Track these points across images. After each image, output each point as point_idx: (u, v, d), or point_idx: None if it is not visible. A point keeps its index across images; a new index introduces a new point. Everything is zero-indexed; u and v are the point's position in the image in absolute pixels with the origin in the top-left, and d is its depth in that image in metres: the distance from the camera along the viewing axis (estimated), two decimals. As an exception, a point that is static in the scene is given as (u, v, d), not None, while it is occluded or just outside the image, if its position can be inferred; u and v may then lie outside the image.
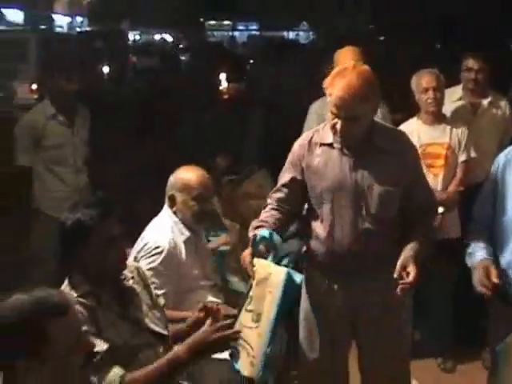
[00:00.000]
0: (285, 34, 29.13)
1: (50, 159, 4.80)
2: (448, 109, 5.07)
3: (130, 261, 3.49)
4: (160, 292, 3.47)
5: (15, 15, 30.40)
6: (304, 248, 3.57)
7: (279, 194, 3.48)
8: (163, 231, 3.71)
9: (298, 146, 3.45)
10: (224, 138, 5.64)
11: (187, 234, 3.75)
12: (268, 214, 3.42)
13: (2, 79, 12.82)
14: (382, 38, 9.35)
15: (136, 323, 3.11)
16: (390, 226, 3.32)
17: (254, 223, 3.41)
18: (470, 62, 5.08)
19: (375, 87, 3.24)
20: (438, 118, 4.77)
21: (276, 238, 3.22)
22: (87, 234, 2.96)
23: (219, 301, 3.80)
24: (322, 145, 3.35)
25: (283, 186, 3.47)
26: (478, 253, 3.27)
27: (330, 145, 3.32)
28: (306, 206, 3.53)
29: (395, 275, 3.05)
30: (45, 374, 2.13)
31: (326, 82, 3.22)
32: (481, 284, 3.08)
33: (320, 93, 4.95)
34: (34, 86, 12.54)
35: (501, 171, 3.28)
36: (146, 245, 3.63)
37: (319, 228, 3.39)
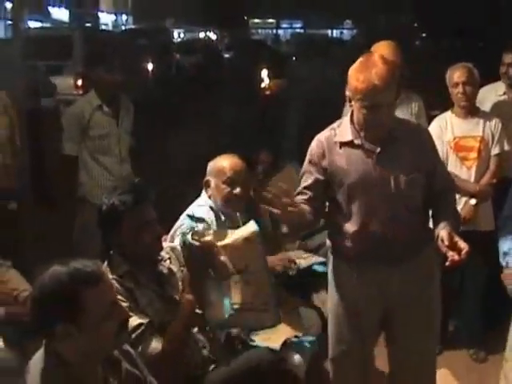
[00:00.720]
0: (329, 31, 29.10)
1: (96, 149, 4.95)
2: (492, 103, 5.19)
3: (167, 243, 3.68)
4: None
5: (61, 13, 30.94)
6: (328, 243, 3.60)
7: (303, 197, 3.43)
8: (200, 214, 3.85)
9: (315, 145, 3.42)
10: (265, 133, 5.77)
11: (222, 218, 3.90)
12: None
13: (48, 75, 13.06)
14: (423, 35, 9.38)
15: (172, 302, 3.29)
16: (417, 213, 3.35)
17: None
18: (508, 58, 5.18)
19: (396, 76, 3.27)
20: (470, 111, 4.83)
21: None
22: (120, 218, 3.17)
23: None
24: (342, 143, 3.33)
25: (306, 188, 3.44)
26: None
27: (351, 142, 3.31)
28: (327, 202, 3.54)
29: (445, 243, 3.04)
30: (81, 341, 2.27)
31: (350, 72, 3.22)
32: None
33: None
34: (80, 82, 12.75)
35: None
36: (182, 225, 3.80)
37: (348, 223, 3.37)
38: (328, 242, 3.59)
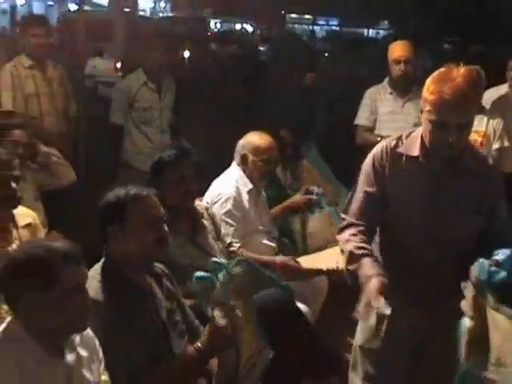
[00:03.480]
0: (364, 31, 29.38)
1: (140, 119, 5.52)
2: (494, 102, 5.64)
3: (202, 203, 4.26)
4: (229, 231, 4.23)
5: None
6: None
7: (362, 209, 3.09)
8: (231, 182, 4.43)
9: (379, 151, 3.08)
10: (293, 120, 6.24)
11: (250, 186, 4.46)
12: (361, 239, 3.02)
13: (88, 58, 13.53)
14: (450, 39, 9.83)
15: (202, 248, 3.89)
16: (465, 257, 2.86)
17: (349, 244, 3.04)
18: None
19: (481, 94, 3.01)
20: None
21: None
22: (163, 168, 3.84)
23: (273, 244, 4.55)
24: (406, 156, 3.00)
25: (366, 200, 3.09)
26: None
27: (416, 158, 2.98)
28: None
29: None
30: (125, 244, 2.88)
31: (428, 85, 2.86)
32: None
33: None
34: (119, 65, 13.23)
35: None
36: (219, 194, 4.36)
37: (388, 249, 3.13)
38: None
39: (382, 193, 3.04)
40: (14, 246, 3.55)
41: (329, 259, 4.20)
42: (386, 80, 5.62)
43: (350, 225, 3.08)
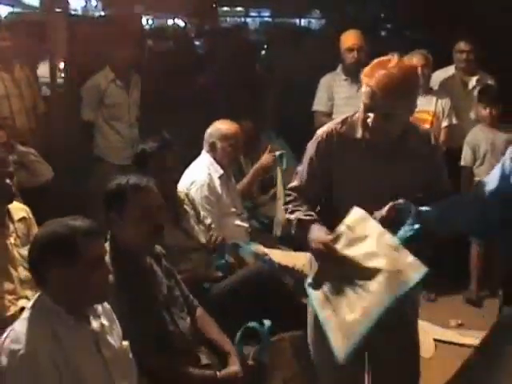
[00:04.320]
0: (296, 20, 29.45)
1: (110, 115, 5.77)
2: (442, 83, 6.08)
3: (182, 190, 4.52)
4: (207, 215, 4.50)
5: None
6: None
7: (300, 191, 3.23)
8: (203, 169, 4.73)
9: (324, 135, 3.14)
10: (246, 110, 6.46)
11: (221, 171, 4.77)
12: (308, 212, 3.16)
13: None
14: (389, 26, 10.14)
15: (186, 232, 4.16)
16: None
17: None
18: (462, 45, 6.07)
19: (416, 86, 3.03)
20: (425, 90, 5.72)
21: None
22: (147, 160, 4.06)
23: (246, 225, 4.89)
24: (350, 139, 3.07)
25: (310, 180, 3.20)
26: None
27: (359, 140, 3.05)
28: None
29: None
30: (125, 231, 3.11)
31: (365, 72, 2.93)
32: None
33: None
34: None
35: None
36: (193, 181, 4.63)
37: (336, 223, 3.09)
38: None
39: (323, 175, 3.14)
40: (12, 239, 3.77)
41: (298, 260, 4.34)
42: (340, 67, 5.93)
43: (293, 200, 3.22)
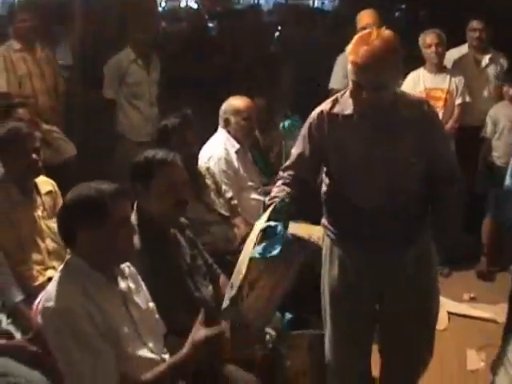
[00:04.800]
0: (310, 1, 29.28)
1: (131, 94, 5.88)
2: (456, 62, 6.18)
3: (202, 164, 4.66)
4: (228, 188, 4.66)
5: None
6: (323, 223, 3.38)
7: (292, 170, 3.28)
8: (220, 144, 4.88)
9: (316, 116, 3.16)
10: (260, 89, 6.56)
11: (237, 146, 4.91)
12: (280, 189, 3.24)
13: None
14: (403, 6, 10.18)
15: (207, 205, 4.29)
16: (414, 200, 3.13)
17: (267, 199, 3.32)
18: (474, 24, 6.16)
19: (399, 54, 2.93)
20: (439, 68, 5.85)
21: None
22: (169, 136, 4.24)
23: (262, 198, 4.90)
24: (342, 116, 3.07)
25: (298, 160, 3.26)
26: None
27: (351, 116, 3.05)
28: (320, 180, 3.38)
29: None
30: (150, 201, 3.22)
31: (349, 49, 2.94)
32: None
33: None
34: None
35: None
36: (211, 156, 4.78)
37: (339, 203, 3.22)
38: (323, 222, 3.39)
39: (312, 155, 3.19)
40: (39, 212, 3.92)
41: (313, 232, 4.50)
42: (356, 46, 6.00)
43: (280, 178, 3.32)
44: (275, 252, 2.81)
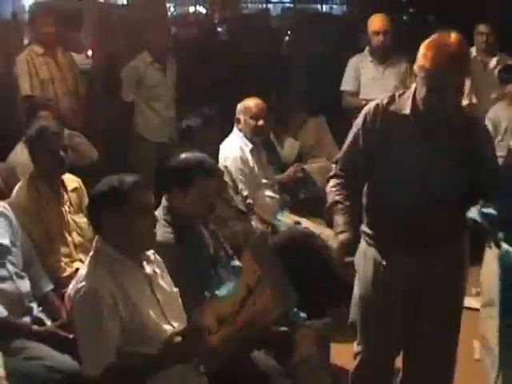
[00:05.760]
0: (318, 6, 29.31)
1: (148, 96, 6.11)
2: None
3: (220, 163, 4.86)
4: (244, 187, 4.87)
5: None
6: (361, 227, 3.37)
7: (347, 165, 3.26)
8: (235, 144, 5.09)
9: (372, 108, 3.16)
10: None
11: (250, 145, 5.11)
12: (341, 194, 3.22)
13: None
14: (411, 10, 10.34)
15: (226, 201, 4.49)
16: (454, 206, 3.15)
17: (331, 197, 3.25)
18: (482, 27, 6.36)
19: (467, 61, 3.04)
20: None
21: None
22: (193, 135, 4.45)
23: (277, 196, 5.20)
24: (398, 115, 3.08)
25: (351, 154, 3.25)
26: None
27: (407, 116, 3.05)
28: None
29: None
30: (185, 205, 3.40)
31: (423, 53, 2.91)
32: None
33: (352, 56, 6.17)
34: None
35: None
36: (227, 156, 4.98)
37: (379, 203, 3.23)
38: (361, 226, 3.38)
39: (368, 148, 3.15)
40: (66, 207, 4.12)
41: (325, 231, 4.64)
42: (367, 49, 6.21)
43: (334, 175, 3.29)
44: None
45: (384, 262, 3.23)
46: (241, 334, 2.78)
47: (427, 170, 3.04)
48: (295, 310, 3.25)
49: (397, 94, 3.14)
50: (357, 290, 3.39)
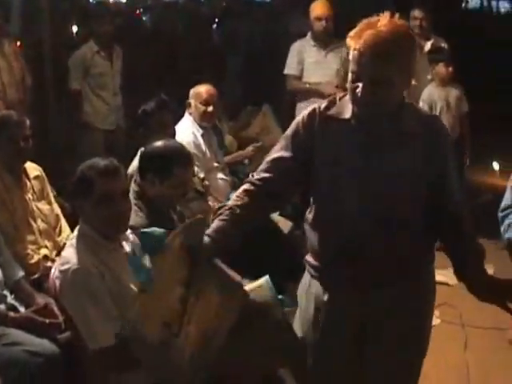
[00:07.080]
0: None
1: (95, 84, 6.22)
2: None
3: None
4: (200, 169, 4.96)
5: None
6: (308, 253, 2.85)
7: (266, 174, 2.71)
8: (187, 129, 5.17)
9: (307, 115, 2.68)
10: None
11: (201, 130, 5.21)
12: (240, 201, 2.68)
13: None
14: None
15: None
16: (412, 229, 2.60)
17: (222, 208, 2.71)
18: (416, 13, 6.60)
19: (411, 49, 2.55)
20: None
21: None
22: (147, 119, 4.53)
23: (228, 178, 5.37)
24: (338, 120, 2.61)
25: (276, 163, 2.71)
26: None
27: (348, 121, 2.59)
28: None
29: None
30: (160, 190, 3.47)
31: (352, 34, 2.49)
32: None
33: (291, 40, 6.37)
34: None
35: None
36: (181, 141, 4.98)
37: (323, 223, 2.70)
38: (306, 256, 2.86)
39: (297, 160, 2.68)
40: (29, 194, 4.19)
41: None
42: (309, 34, 6.34)
43: (248, 181, 2.75)
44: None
45: (326, 298, 2.72)
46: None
47: (374, 185, 2.56)
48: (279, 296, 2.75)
49: (338, 97, 2.69)
50: (298, 329, 2.86)
